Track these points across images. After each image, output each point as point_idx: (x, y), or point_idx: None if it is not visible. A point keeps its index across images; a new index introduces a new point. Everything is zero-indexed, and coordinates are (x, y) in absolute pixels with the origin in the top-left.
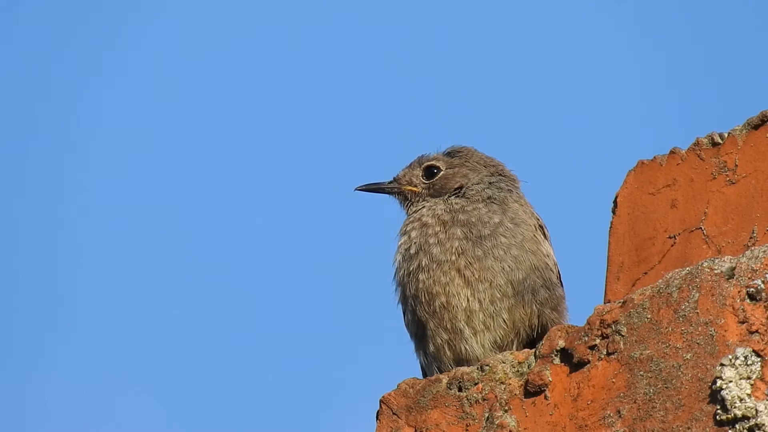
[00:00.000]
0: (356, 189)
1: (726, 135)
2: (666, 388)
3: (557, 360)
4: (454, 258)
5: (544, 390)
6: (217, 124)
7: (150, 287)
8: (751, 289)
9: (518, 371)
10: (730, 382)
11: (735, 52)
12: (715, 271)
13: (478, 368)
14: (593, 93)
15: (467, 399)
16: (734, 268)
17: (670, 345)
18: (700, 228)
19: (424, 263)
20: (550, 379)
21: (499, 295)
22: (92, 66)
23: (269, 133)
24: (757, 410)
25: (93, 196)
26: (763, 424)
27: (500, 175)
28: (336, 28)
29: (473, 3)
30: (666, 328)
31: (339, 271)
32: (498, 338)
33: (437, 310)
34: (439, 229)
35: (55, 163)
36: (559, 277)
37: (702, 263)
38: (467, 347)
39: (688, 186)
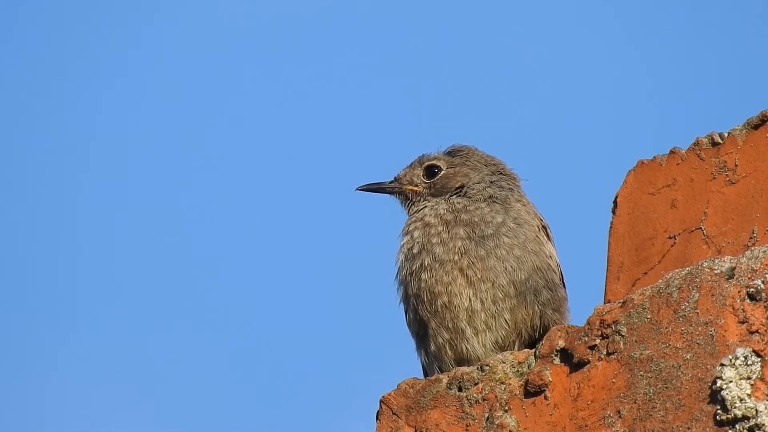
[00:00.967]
0: (357, 189)
1: (726, 135)
2: (666, 388)
3: (557, 360)
4: (456, 258)
5: (544, 390)
6: (215, 124)
7: (149, 287)
8: (751, 289)
9: (518, 371)
10: (730, 382)
11: (735, 52)
12: (715, 271)
13: (478, 368)
14: (593, 93)
15: (467, 399)
16: (734, 268)
17: (670, 345)
18: (700, 228)
19: (426, 263)
20: (550, 379)
21: (501, 295)
22: (91, 66)
23: (269, 133)
24: (757, 410)
25: (92, 197)
26: (763, 424)
27: (501, 173)
28: (335, 27)
29: (473, 3)
30: (666, 328)
31: (340, 271)
32: (499, 338)
33: (439, 309)
34: (441, 228)
35: (52, 164)
36: (562, 279)
37: (702, 263)
38: (468, 347)
39: (688, 186)
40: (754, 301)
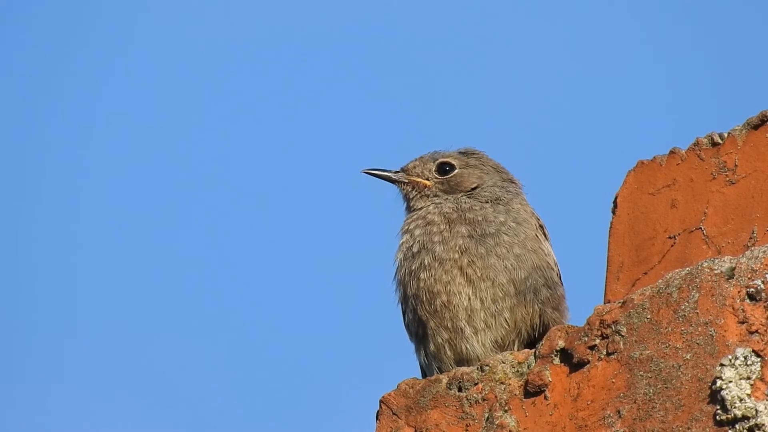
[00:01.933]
0: (363, 171)
1: (726, 135)
2: (666, 388)
3: (557, 360)
4: (456, 256)
5: (544, 390)
6: (213, 128)
7: (147, 287)
8: (751, 290)
9: (518, 371)
10: (730, 382)
11: (735, 52)
12: (715, 271)
13: (477, 368)
14: (593, 93)
15: (467, 399)
16: (734, 269)
17: (670, 345)
18: (700, 228)
19: (426, 262)
20: (549, 379)
21: (501, 294)
22: (89, 66)
23: (267, 133)
24: (757, 410)
25: (91, 198)
26: (763, 425)
27: (510, 181)
28: (332, 26)
29: (473, 2)
30: (666, 328)
31: (339, 270)
32: (499, 337)
33: (438, 309)
34: (444, 227)
35: (52, 164)
36: (559, 276)
37: (702, 263)
38: (468, 346)
39: (688, 186)
40: (754, 301)
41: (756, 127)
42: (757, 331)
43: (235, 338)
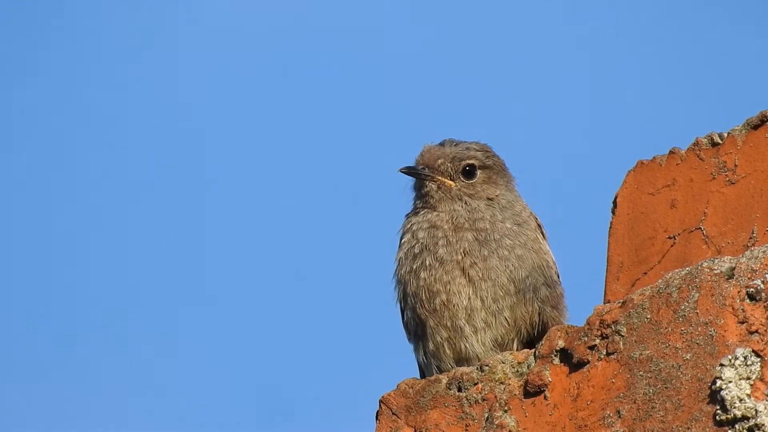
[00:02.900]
0: (400, 170)
1: (725, 135)
2: (666, 388)
3: (557, 360)
4: (459, 257)
5: (544, 390)
6: (208, 130)
7: (147, 286)
8: (751, 290)
9: (518, 371)
10: (730, 382)
11: (735, 52)
12: (715, 271)
13: (477, 368)
14: (593, 93)
15: (467, 399)
16: (734, 269)
17: (669, 345)
18: (700, 228)
19: (427, 262)
20: (549, 379)
21: (501, 293)
22: (88, 66)
23: (267, 132)
24: (756, 410)
25: (88, 198)
26: (763, 425)
27: (511, 177)
28: (331, 25)
29: (473, 1)
30: (666, 328)
31: (339, 270)
32: (499, 336)
33: (437, 307)
34: (450, 234)
35: (50, 164)
36: (558, 275)
37: (702, 263)
38: (467, 345)
39: (688, 186)
40: (753, 301)
41: (756, 127)
42: (757, 331)
43: (235, 338)
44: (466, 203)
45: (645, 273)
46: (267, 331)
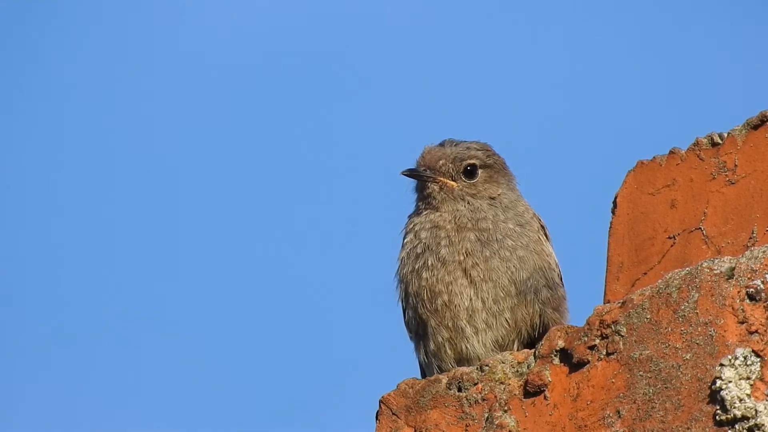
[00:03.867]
0: (402, 173)
1: (725, 135)
2: (666, 388)
3: (557, 360)
4: (461, 258)
5: (544, 390)
6: (209, 130)
7: (147, 287)
8: (751, 290)
9: (518, 371)
10: (730, 382)
11: (735, 52)
12: (715, 272)
13: (477, 368)
14: (593, 93)
15: (467, 399)
16: (734, 269)
17: (669, 345)
18: (700, 228)
19: (429, 262)
20: (549, 379)
21: (502, 295)
22: (87, 66)
23: (266, 131)
24: (756, 410)
25: (89, 199)
26: (763, 425)
27: (512, 176)
28: (329, 25)
29: (471, 1)
30: (665, 328)
31: (339, 270)
32: (499, 337)
33: (439, 308)
34: (453, 234)
35: (50, 165)
36: (560, 278)
37: (702, 263)
38: (468, 346)
39: (688, 186)
40: (753, 301)
41: (756, 127)
42: (756, 331)
43: (235, 338)
44: (468, 203)
45: (645, 273)
46: (267, 331)
